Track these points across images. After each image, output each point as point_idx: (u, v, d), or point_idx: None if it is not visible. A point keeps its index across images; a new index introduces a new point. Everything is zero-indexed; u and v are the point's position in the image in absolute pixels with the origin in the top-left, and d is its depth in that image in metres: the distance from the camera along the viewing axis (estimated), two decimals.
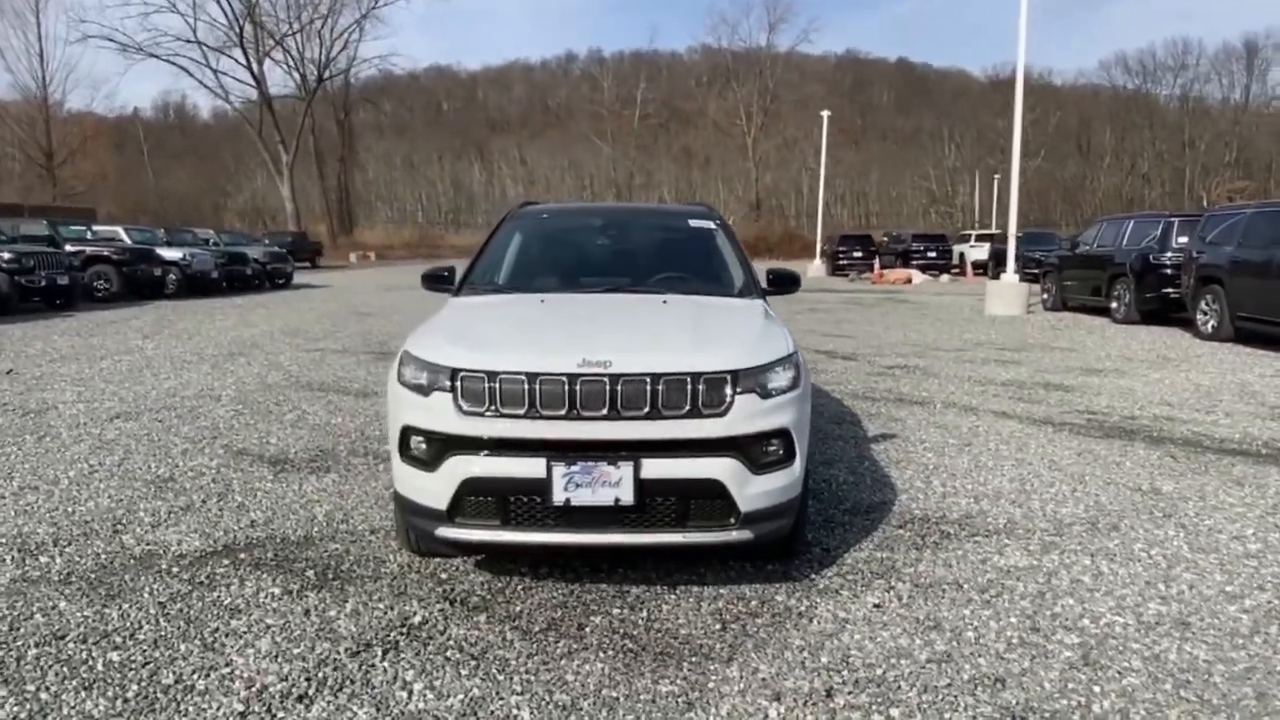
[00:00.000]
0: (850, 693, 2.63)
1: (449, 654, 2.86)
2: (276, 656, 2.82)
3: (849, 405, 7.25)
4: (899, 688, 2.66)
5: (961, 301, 20.39)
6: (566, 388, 3.03)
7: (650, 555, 3.62)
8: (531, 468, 3.04)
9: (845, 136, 78.38)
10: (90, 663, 2.78)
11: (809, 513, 3.88)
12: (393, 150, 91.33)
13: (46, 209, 33.26)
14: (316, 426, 6.31)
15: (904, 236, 38.78)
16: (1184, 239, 13.62)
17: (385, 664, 2.79)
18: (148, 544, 3.86)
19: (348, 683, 2.67)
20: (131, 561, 3.65)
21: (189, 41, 54.77)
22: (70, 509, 4.34)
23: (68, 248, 17.27)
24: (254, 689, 2.61)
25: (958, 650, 2.90)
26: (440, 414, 3.15)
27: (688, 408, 3.06)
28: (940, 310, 18.03)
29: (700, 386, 3.07)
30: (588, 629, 3.06)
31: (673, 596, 3.32)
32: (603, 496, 3.03)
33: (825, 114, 40.24)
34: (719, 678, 2.72)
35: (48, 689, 2.61)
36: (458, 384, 3.13)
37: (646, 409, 3.04)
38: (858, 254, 35.91)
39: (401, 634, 3.00)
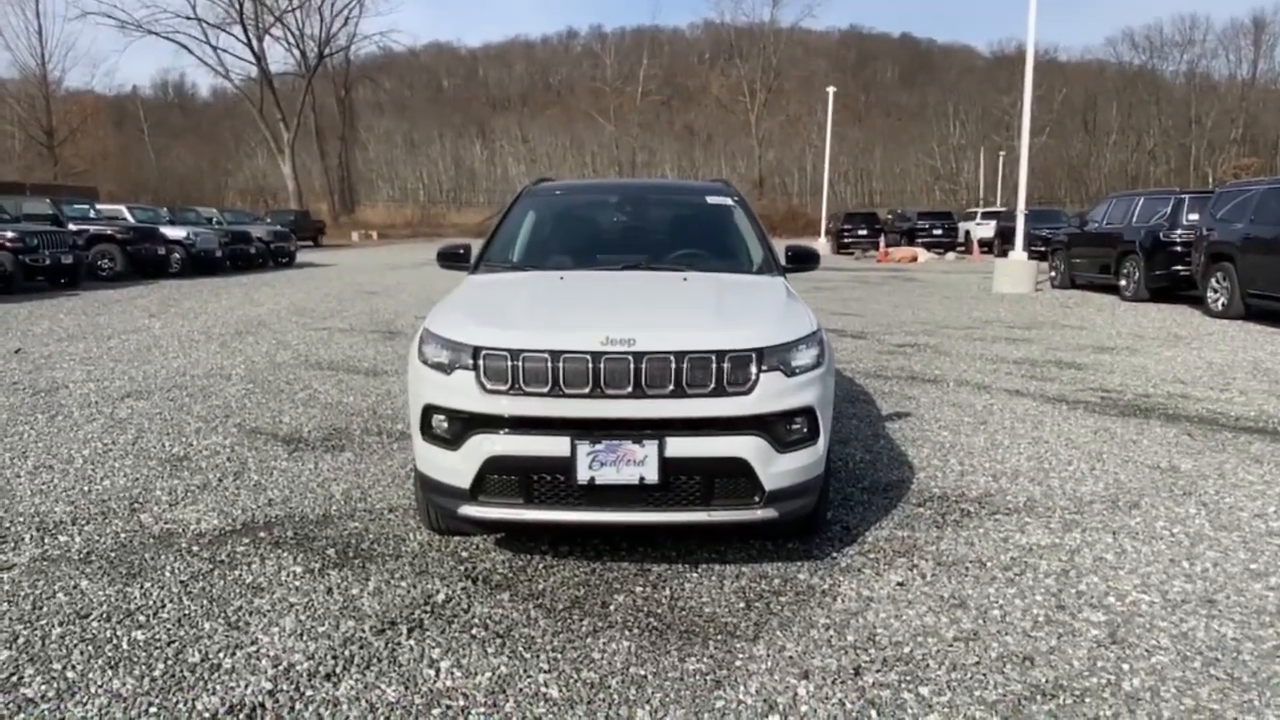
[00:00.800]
0: (879, 670, 2.62)
1: (474, 632, 2.86)
2: (302, 635, 2.82)
3: (861, 384, 7.22)
4: (927, 665, 2.65)
5: (969, 279, 20.29)
6: (590, 366, 3.01)
7: (670, 533, 3.61)
8: (555, 446, 3.01)
9: (849, 113, 77.82)
10: (115, 641, 2.77)
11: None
12: (393, 128, 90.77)
13: (49, 188, 33.08)
14: (329, 405, 6.29)
15: (909, 214, 38.55)
16: (1194, 216, 13.54)
17: (411, 642, 2.78)
18: (166, 523, 3.86)
19: (374, 660, 2.66)
20: (151, 540, 3.64)
21: (188, 18, 54.81)
22: (86, 488, 4.33)
23: (71, 227, 17.19)
24: (280, 667, 2.61)
25: (984, 628, 2.89)
26: (463, 393, 3.12)
27: (712, 386, 3.04)
28: (948, 288, 17.95)
29: (725, 365, 3.05)
30: (611, 607, 3.05)
31: (695, 575, 3.31)
32: (627, 475, 3.01)
33: (830, 90, 39.92)
34: (746, 656, 2.71)
35: (74, 668, 2.61)
36: (480, 362, 3.11)
37: (671, 387, 3.01)
38: (863, 232, 35.68)
39: (426, 612, 2.99)
